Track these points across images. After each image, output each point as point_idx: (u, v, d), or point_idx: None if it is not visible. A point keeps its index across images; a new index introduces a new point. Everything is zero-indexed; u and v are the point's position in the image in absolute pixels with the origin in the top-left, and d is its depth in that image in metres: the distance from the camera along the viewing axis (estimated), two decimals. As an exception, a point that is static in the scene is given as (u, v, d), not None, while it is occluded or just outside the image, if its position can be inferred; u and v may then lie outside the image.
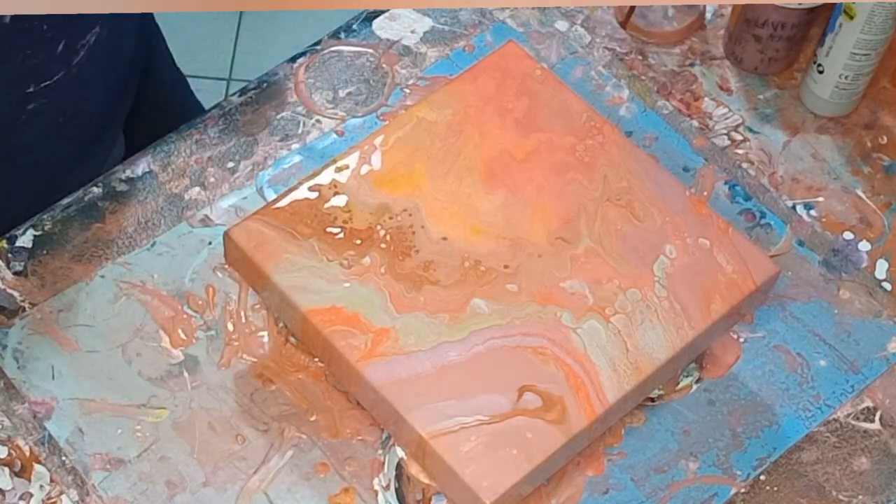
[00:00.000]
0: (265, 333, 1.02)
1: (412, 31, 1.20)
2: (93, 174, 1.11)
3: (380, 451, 0.98)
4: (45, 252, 1.06)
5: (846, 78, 1.12)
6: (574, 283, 0.97)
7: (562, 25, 1.20)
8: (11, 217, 1.08)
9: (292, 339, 1.02)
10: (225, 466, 0.97)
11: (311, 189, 1.01)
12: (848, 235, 1.10)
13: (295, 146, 1.12)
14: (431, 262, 0.98)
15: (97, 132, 1.17)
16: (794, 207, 1.11)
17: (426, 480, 0.96)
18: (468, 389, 0.93)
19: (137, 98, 1.23)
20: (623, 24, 1.20)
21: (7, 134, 1.07)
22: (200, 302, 1.04)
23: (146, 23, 1.23)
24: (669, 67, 1.18)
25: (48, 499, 0.95)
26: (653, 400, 1.01)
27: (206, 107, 1.22)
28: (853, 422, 1.01)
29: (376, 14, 1.21)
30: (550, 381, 0.93)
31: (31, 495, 0.95)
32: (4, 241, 1.06)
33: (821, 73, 1.13)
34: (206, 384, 1.00)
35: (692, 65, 1.19)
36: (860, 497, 0.98)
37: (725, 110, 1.16)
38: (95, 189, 1.09)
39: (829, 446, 1.00)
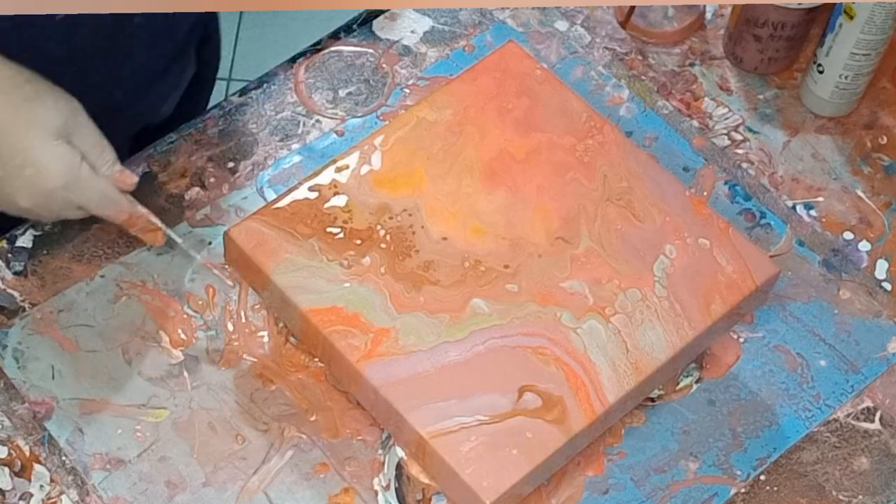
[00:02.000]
0: (265, 333, 1.02)
1: (412, 32, 1.20)
2: (168, 91, 1.15)
3: (380, 451, 0.98)
4: (45, 252, 1.06)
5: (846, 78, 1.12)
6: (574, 283, 0.97)
7: (562, 25, 1.20)
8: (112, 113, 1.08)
9: (292, 339, 1.02)
10: (225, 466, 0.97)
11: (311, 189, 1.01)
12: (848, 235, 1.10)
13: (295, 146, 1.12)
14: (431, 262, 0.98)
15: (178, 52, 1.17)
16: (794, 207, 1.11)
17: (426, 480, 0.96)
18: (468, 389, 0.93)
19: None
20: (623, 24, 1.20)
21: (111, 42, 1.07)
22: (200, 302, 1.04)
23: None
24: (669, 67, 1.18)
25: (48, 499, 0.95)
26: (653, 400, 1.01)
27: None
28: (853, 422, 1.01)
29: (376, 14, 1.21)
30: (550, 381, 0.93)
31: (31, 495, 0.95)
32: (4, 241, 1.06)
33: (821, 73, 1.13)
34: (206, 384, 1.00)
35: (692, 65, 1.19)
36: (860, 497, 0.98)
37: (725, 110, 1.16)
38: (95, 189, 1.09)
39: (829, 446, 1.00)
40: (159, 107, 1.20)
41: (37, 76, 0.98)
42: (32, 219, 1.03)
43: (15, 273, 1.05)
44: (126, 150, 1.17)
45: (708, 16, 1.22)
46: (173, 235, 1.04)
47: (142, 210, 1.03)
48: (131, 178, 1.02)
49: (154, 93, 1.17)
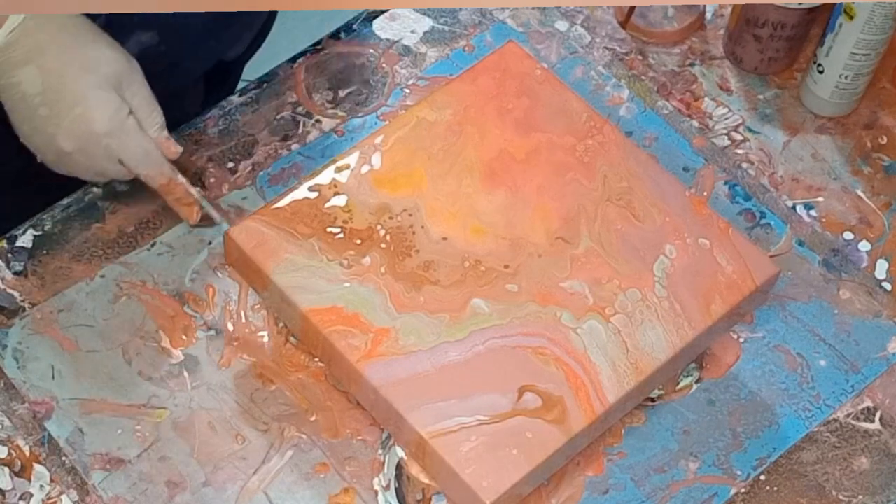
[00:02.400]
0: (265, 333, 1.02)
1: (412, 31, 1.20)
2: (243, 30, 1.21)
3: (380, 451, 0.98)
4: (45, 252, 1.06)
5: (846, 78, 1.12)
6: (574, 283, 0.97)
7: (562, 25, 1.20)
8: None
9: (292, 339, 1.02)
10: (225, 466, 0.97)
11: (311, 189, 1.01)
12: (848, 235, 1.10)
13: (295, 146, 1.12)
14: (431, 262, 0.98)
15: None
16: (794, 207, 1.11)
17: (426, 480, 0.96)
18: (468, 389, 0.93)
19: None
20: (623, 24, 1.20)
21: None
22: (201, 302, 1.04)
23: None
24: (669, 67, 1.18)
25: (48, 499, 0.95)
26: (653, 400, 1.01)
27: (207, 106, 1.22)
28: (853, 422, 1.01)
29: (376, 14, 1.21)
30: (550, 381, 0.93)
31: (31, 495, 0.95)
32: (4, 241, 1.06)
33: (821, 73, 1.13)
34: (207, 384, 1.00)
35: (692, 65, 1.19)
36: (860, 497, 0.98)
37: (725, 110, 1.16)
38: (95, 189, 1.09)
39: (828, 446, 1.00)
40: (233, 44, 1.22)
41: (99, 29, 0.99)
42: (69, 171, 1.03)
43: (15, 273, 1.05)
44: (201, 85, 1.20)
45: (708, 16, 1.22)
46: (211, 211, 1.05)
47: (182, 179, 1.04)
48: (176, 147, 1.03)
49: (231, 31, 1.19)
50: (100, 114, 0.97)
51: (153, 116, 1.01)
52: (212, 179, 1.10)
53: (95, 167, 1.01)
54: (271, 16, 1.28)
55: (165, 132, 1.02)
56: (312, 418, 0.99)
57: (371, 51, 1.18)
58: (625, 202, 1.01)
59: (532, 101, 1.06)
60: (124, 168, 1.01)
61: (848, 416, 1.01)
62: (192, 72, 1.15)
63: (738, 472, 0.98)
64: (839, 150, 1.14)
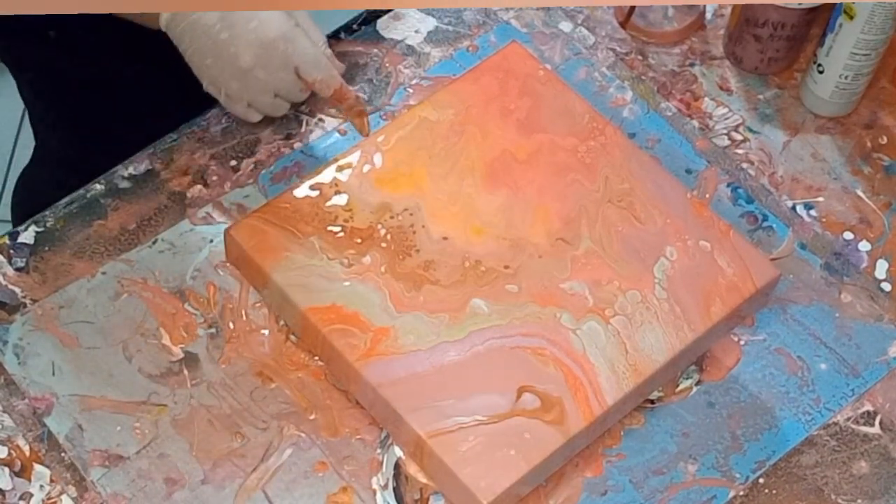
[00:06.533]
0: (266, 331, 1.03)
1: (416, 31, 1.20)
2: None
3: (378, 451, 0.98)
4: (46, 248, 1.06)
5: (846, 78, 1.12)
6: (574, 284, 0.97)
7: (566, 26, 1.20)
8: None
9: (292, 338, 1.02)
10: (224, 464, 0.97)
11: (312, 187, 1.01)
12: (848, 235, 1.10)
13: (297, 145, 1.12)
14: (432, 262, 0.98)
15: None
16: (794, 207, 1.11)
17: (424, 480, 0.96)
18: (467, 389, 0.93)
19: None
20: (623, 24, 1.20)
21: None
22: (201, 299, 1.04)
23: None
24: (669, 67, 1.18)
25: (48, 499, 0.95)
26: (652, 402, 1.01)
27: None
28: (853, 426, 1.01)
29: (380, 14, 1.21)
30: (549, 382, 0.93)
31: (31, 495, 0.95)
32: (6, 237, 1.06)
33: (821, 73, 1.13)
34: (206, 382, 1.00)
35: (692, 65, 1.19)
36: (859, 501, 0.98)
37: (725, 110, 1.16)
38: (97, 186, 1.09)
39: (828, 450, 1.00)
40: None
41: None
42: (249, 98, 1.09)
43: (17, 269, 1.05)
44: None
45: (708, 16, 1.22)
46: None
47: (352, 90, 1.11)
48: (340, 65, 1.10)
49: None
50: (273, 22, 1.05)
51: (316, 31, 1.09)
52: (214, 177, 1.10)
53: (273, 81, 1.07)
54: None
55: (329, 50, 1.09)
56: (312, 417, 0.99)
57: (375, 50, 1.18)
58: (626, 204, 1.01)
59: (534, 101, 1.06)
60: (299, 81, 1.07)
61: (848, 419, 1.01)
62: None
63: (737, 475, 0.98)
64: (839, 150, 1.14)
